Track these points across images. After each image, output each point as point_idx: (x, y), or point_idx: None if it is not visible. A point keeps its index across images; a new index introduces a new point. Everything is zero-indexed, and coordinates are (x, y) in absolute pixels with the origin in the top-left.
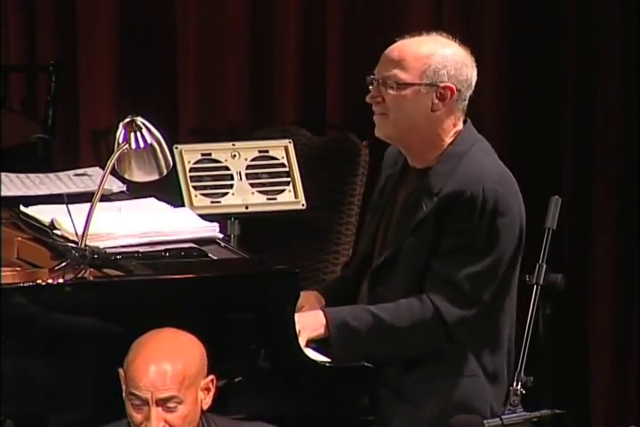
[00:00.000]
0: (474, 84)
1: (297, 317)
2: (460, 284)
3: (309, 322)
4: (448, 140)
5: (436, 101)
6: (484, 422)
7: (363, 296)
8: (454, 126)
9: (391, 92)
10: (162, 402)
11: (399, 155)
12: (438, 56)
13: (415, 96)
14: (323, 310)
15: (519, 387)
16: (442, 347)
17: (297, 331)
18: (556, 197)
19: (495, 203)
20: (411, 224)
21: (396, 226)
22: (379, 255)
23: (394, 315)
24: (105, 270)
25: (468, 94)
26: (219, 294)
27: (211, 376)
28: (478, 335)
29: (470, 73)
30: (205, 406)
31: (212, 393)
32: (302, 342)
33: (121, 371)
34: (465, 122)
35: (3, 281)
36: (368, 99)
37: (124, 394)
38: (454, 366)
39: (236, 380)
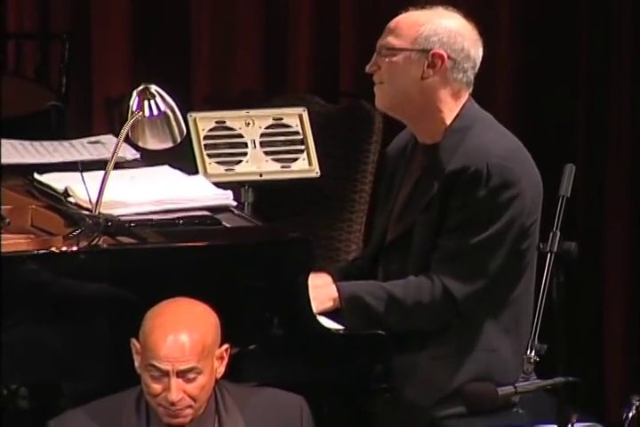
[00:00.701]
0: (476, 57)
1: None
2: (465, 258)
3: (320, 295)
4: (451, 113)
5: (427, 68)
6: (498, 389)
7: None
8: (455, 99)
9: (385, 59)
10: (182, 373)
11: (407, 139)
12: (432, 24)
13: (405, 62)
14: (335, 284)
15: (533, 355)
16: (451, 322)
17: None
18: (570, 164)
19: (500, 178)
20: (421, 203)
21: (407, 204)
22: (390, 233)
23: (404, 291)
24: (119, 238)
25: (468, 66)
26: (232, 261)
27: (225, 345)
28: (496, 310)
29: (468, 44)
30: (219, 375)
31: (225, 362)
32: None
33: (135, 342)
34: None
35: (17, 249)
36: (367, 68)
37: (136, 364)
38: (470, 341)
39: (250, 348)
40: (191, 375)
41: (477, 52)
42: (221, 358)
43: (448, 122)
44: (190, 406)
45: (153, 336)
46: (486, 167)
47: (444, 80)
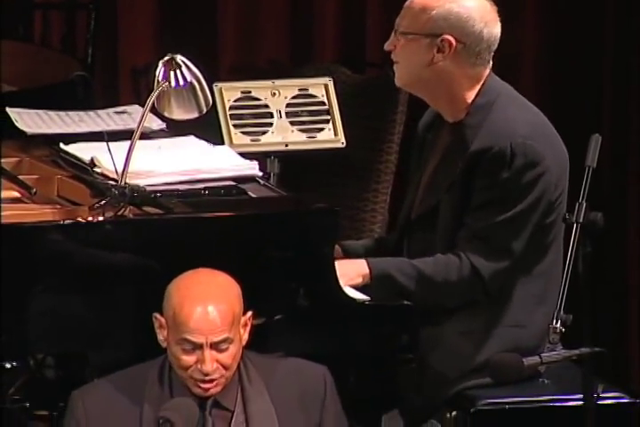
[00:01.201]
0: (490, 37)
1: (337, 264)
2: (490, 236)
3: (349, 270)
4: (471, 92)
5: (436, 53)
6: (523, 359)
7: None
8: (472, 79)
9: (400, 40)
10: (215, 345)
11: (436, 114)
12: (443, 9)
13: (416, 46)
14: (366, 260)
15: (558, 325)
16: (479, 299)
17: (336, 270)
18: (597, 135)
19: (524, 157)
20: (445, 182)
21: (432, 183)
22: (416, 210)
23: (433, 269)
24: (144, 208)
25: (481, 48)
26: (258, 232)
27: (249, 312)
28: (524, 285)
29: (480, 26)
30: (244, 343)
31: (248, 329)
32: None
33: (158, 317)
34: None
35: (43, 219)
36: (385, 47)
37: (160, 338)
38: (498, 317)
39: (276, 318)
40: (224, 346)
41: (493, 32)
42: (245, 325)
43: (469, 100)
44: (222, 376)
45: (183, 311)
46: (510, 147)
47: (457, 63)
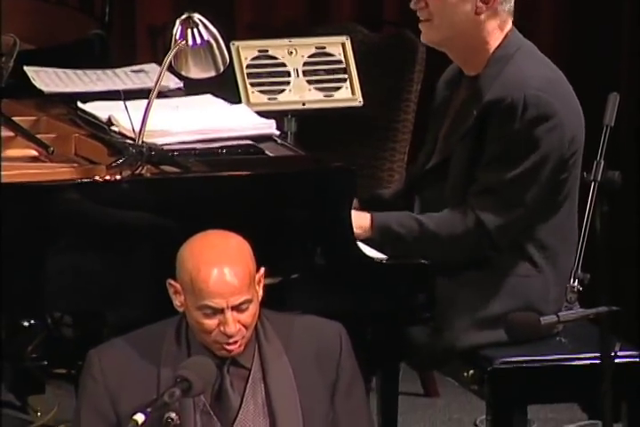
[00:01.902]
0: None
1: None
2: (499, 190)
3: (355, 221)
4: (494, 43)
5: (480, 4)
6: (541, 318)
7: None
8: (501, 30)
9: None
10: (236, 307)
11: (457, 70)
12: None
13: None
14: (370, 214)
15: (576, 284)
16: (486, 254)
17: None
18: (615, 93)
19: (536, 110)
20: (460, 132)
21: (448, 134)
22: (430, 161)
23: (437, 223)
24: (162, 167)
25: None
26: (275, 191)
27: (262, 269)
28: (535, 240)
29: None
30: (259, 299)
31: (262, 285)
32: None
33: (172, 283)
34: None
35: (61, 177)
36: (412, 5)
37: (176, 303)
38: (511, 270)
39: (293, 277)
40: (244, 306)
41: None
42: (260, 282)
43: (490, 51)
44: (244, 335)
45: (200, 276)
46: (523, 99)
47: (494, 12)
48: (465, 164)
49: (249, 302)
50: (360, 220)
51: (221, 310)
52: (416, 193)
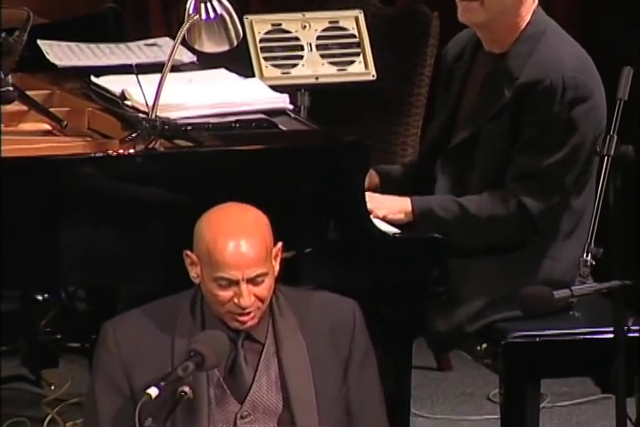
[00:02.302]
0: None
1: (381, 197)
2: (542, 175)
3: (393, 205)
4: (525, 20)
5: None
6: (554, 292)
7: (436, 180)
8: (531, 8)
9: None
10: (251, 279)
11: (466, 41)
12: None
13: None
14: (410, 198)
15: (589, 258)
16: (528, 238)
17: (367, 203)
18: (628, 67)
19: (575, 91)
20: (491, 110)
21: (475, 109)
22: (455, 136)
23: (479, 207)
24: (175, 141)
25: None
26: (289, 165)
27: (279, 244)
28: (564, 220)
29: None
30: (276, 274)
31: (279, 260)
32: (375, 216)
33: (189, 254)
34: None
35: (74, 151)
36: None
37: (192, 275)
38: (530, 249)
39: (306, 252)
40: (259, 279)
41: None
42: (277, 256)
43: (521, 28)
44: (259, 308)
45: (217, 248)
46: (562, 81)
47: None
48: (497, 143)
49: (264, 275)
50: (400, 204)
51: (236, 282)
52: (439, 168)
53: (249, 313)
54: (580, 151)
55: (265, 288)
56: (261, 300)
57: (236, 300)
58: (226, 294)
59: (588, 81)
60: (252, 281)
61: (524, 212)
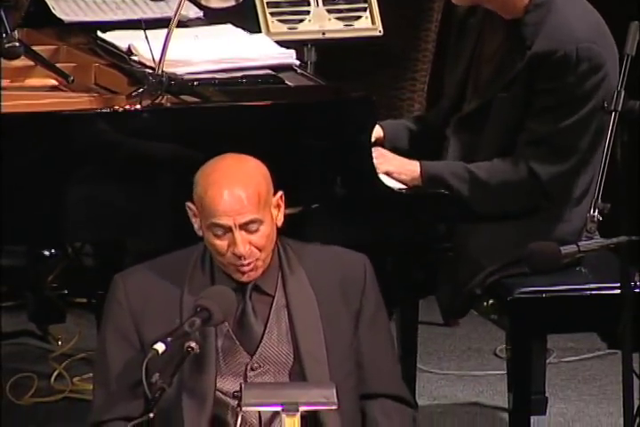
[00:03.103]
0: None
1: (392, 158)
2: (553, 141)
3: (402, 165)
4: None
5: None
6: (561, 248)
7: (448, 144)
8: None
9: None
10: (244, 226)
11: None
12: None
13: None
14: (419, 162)
15: (596, 214)
16: (539, 204)
17: (375, 160)
18: (636, 22)
19: (589, 62)
20: (504, 78)
21: (488, 77)
22: (468, 103)
23: (489, 173)
24: (181, 97)
25: None
26: (295, 120)
27: (280, 193)
28: (572, 184)
29: None
30: (279, 223)
31: (282, 209)
32: (380, 170)
33: (190, 205)
34: None
35: (80, 107)
36: None
37: (195, 227)
38: (540, 211)
39: (314, 207)
40: (253, 227)
41: None
42: (278, 205)
43: None
44: (258, 258)
45: (209, 194)
46: (576, 51)
47: None
48: (510, 111)
49: (258, 222)
50: (409, 167)
51: (230, 229)
52: (451, 135)
53: (249, 264)
54: (592, 118)
55: (261, 236)
56: (259, 248)
57: (232, 248)
58: (222, 242)
59: (602, 50)
60: (246, 228)
61: (534, 177)
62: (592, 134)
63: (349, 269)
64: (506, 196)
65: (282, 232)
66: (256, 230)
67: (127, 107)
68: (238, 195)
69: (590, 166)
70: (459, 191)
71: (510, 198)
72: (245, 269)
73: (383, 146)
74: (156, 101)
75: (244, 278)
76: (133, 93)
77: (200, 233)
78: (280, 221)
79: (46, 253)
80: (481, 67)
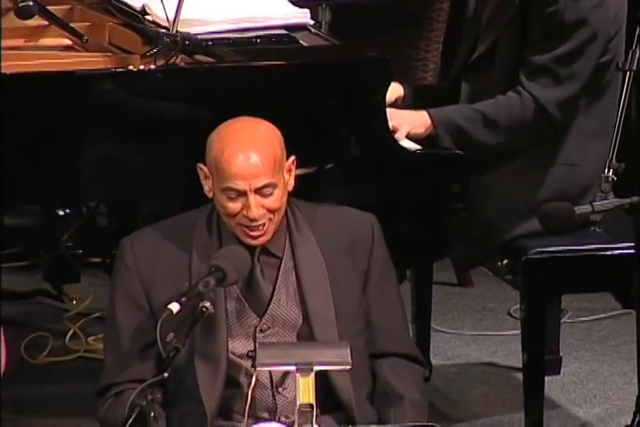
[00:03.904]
0: None
1: (399, 112)
2: (552, 67)
3: (413, 119)
4: None
5: None
6: (575, 208)
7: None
8: None
9: None
10: (259, 190)
11: None
12: None
13: None
14: (427, 111)
15: (610, 174)
16: (548, 135)
17: (390, 119)
18: None
19: None
20: (504, 18)
21: (491, 21)
22: (475, 53)
23: (495, 109)
24: (196, 57)
25: None
26: (310, 80)
27: (292, 157)
28: (577, 124)
29: None
30: (290, 188)
31: (293, 174)
32: (402, 134)
33: (202, 167)
34: None
35: (95, 67)
36: None
37: (205, 188)
38: (550, 155)
39: (327, 167)
40: (268, 191)
41: None
42: (290, 170)
43: None
44: (270, 221)
45: (224, 158)
46: None
47: None
48: (512, 48)
49: (273, 186)
50: (419, 118)
51: (244, 193)
52: (463, 83)
53: (260, 227)
54: (591, 44)
55: (274, 200)
56: (271, 211)
57: (244, 211)
58: (235, 205)
59: None
60: (260, 192)
61: (537, 105)
62: (593, 62)
63: (357, 229)
64: (515, 129)
65: (296, 192)
66: (270, 194)
67: (141, 67)
68: (255, 159)
69: (598, 107)
70: (470, 132)
71: (520, 132)
72: (256, 233)
73: (403, 106)
74: (171, 61)
75: (254, 242)
76: (148, 53)
77: (210, 195)
78: (291, 185)
79: (61, 212)
80: (484, 9)
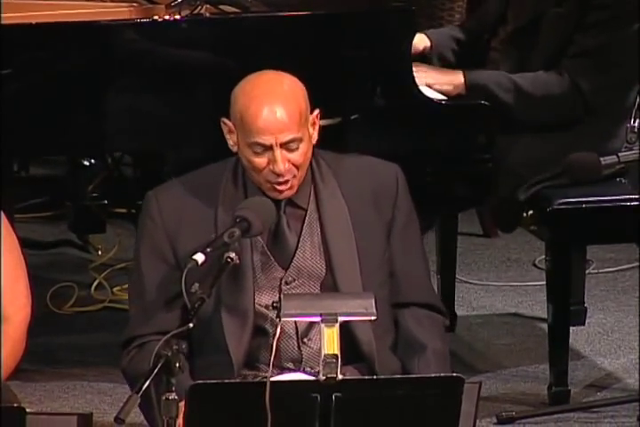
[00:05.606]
0: None
1: (433, 70)
2: (599, 54)
3: (443, 77)
4: None
5: None
6: (601, 158)
7: (495, 56)
8: None
9: None
10: (285, 144)
11: None
12: None
13: None
14: (463, 71)
15: (636, 124)
16: (580, 118)
17: (414, 70)
18: None
19: None
20: None
21: None
22: (516, 17)
23: (533, 84)
24: (221, 7)
25: None
26: (336, 31)
27: (316, 111)
28: (619, 100)
29: None
30: (314, 141)
31: (317, 127)
32: (420, 81)
33: (226, 121)
34: None
35: (120, 17)
36: None
37: (230, 143)
38: (583, 127)
39: (353, 118)
40: (294, 145)
41: None
42: (314, 123)
43: None
44: (295, 176)
45: (250, 112)
46: None
47: None
48: (561, 26)
49: (299, 140)
50: (452, 76)
51: (270, 148)
52: (499, 52)
53: (285, 181)
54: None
55: (300, 154)
56: (297, 166)
57: (270, 166)
58: (261, 160)
59: None
60: (286, 147)
61: (576, 89)
62: (638, 53)
63: (382, 179)
64: (548, 107)
65: (321, 143)
66: (296, 148)
67: (166, 17)
68: (280, 114)
69: (637, 84)
70: (502, 101)
71: (552, 109)
72: (282, 187)
73: (430, 55)
74: (196, 12)
75: (280, 196)
76: (173, 3)
77: (235, 149)
78: (315, 139)
79: (86, 163)
80: None
